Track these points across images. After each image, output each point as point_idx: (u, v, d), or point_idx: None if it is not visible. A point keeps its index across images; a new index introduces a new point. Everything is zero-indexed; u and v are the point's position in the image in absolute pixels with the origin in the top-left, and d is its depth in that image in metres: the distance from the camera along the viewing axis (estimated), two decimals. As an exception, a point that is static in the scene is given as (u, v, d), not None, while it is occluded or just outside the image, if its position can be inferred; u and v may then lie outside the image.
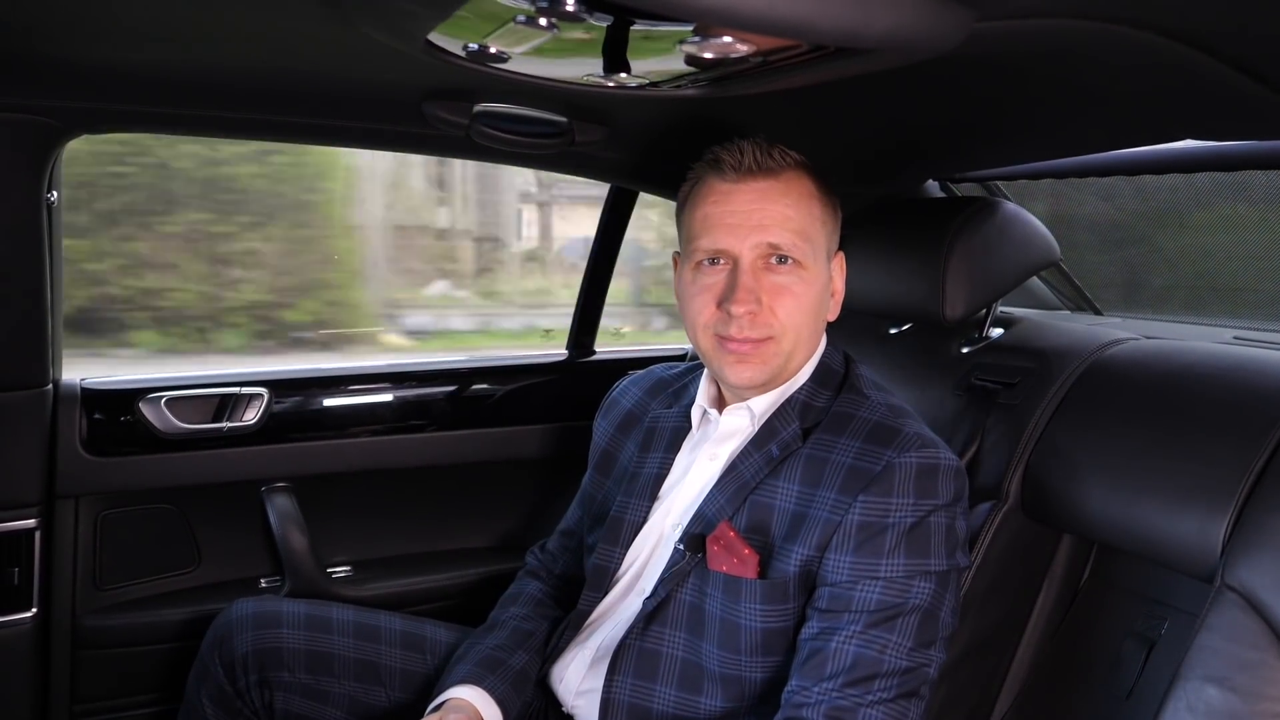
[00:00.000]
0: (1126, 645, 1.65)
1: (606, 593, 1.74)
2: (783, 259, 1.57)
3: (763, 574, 1.53)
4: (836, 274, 1.69)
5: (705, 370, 1.77)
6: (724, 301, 1.57)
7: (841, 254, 1.72)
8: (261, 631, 1.83)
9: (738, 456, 1.64)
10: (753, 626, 1.52)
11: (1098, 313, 2.51)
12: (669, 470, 1.75)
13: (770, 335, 1.58)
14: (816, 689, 1.42)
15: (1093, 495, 1.65)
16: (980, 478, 1.84)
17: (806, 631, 1.49)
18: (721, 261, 1.60)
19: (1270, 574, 1.31)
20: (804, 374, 1.67)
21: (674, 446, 1.77)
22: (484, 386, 2.65)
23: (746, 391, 1.66)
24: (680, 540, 1.63)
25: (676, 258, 1.73)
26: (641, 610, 1.64)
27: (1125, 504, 1.59)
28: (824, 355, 1.70)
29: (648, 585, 1.68)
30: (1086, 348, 1.85)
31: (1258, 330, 1.99)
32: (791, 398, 1.65)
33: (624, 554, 1.73)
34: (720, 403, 1.73)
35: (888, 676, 1.42)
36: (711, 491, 1.64)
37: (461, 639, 1.90)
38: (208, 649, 1.85)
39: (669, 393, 1.88)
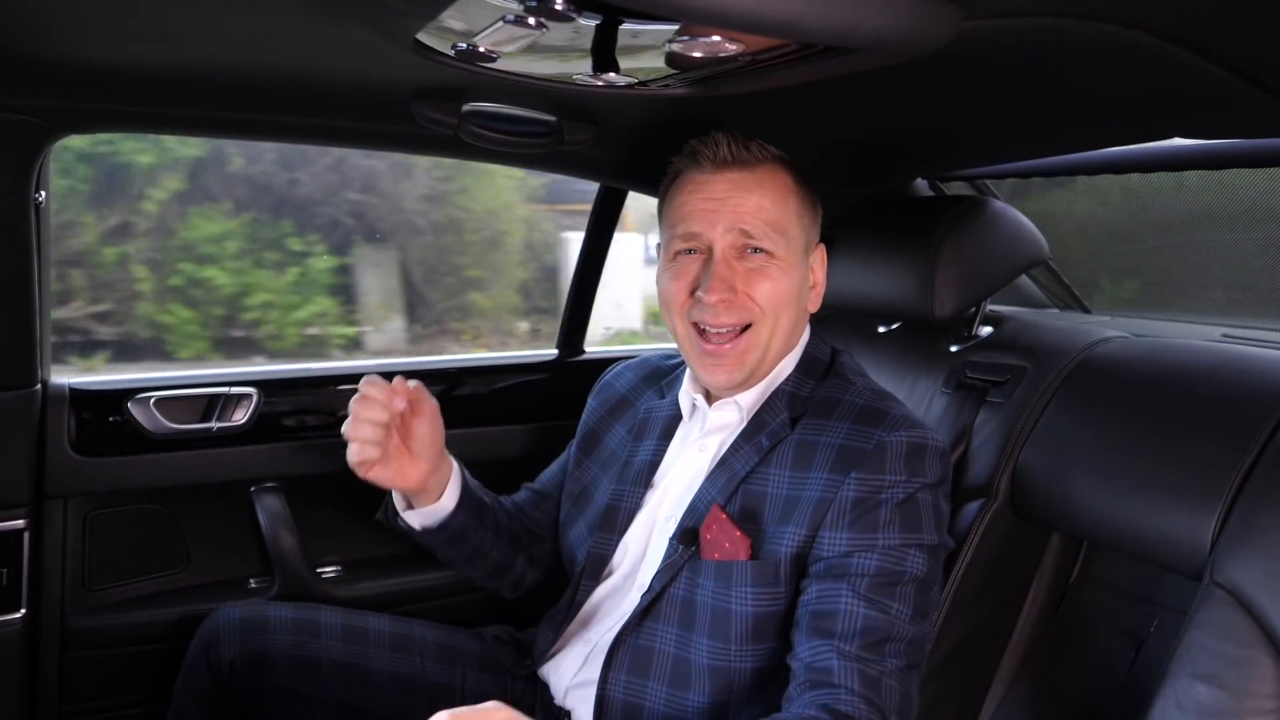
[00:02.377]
0: (1116, 643, 1.65)
1: (602, 582, 1.75)
2: (756, 249, 1.60)
3: (754, 556, 1.55)
4: (817, 266, 1.72)
5: None
6: (697, 289, 1.60)
7: (822, 246, 1.74)
8: (248, 637, 1.82)
9: (728, 450, 1.66)
10: (743, 611, 1.53)
11: (1086, 310, 2.51)
12: (662, 457, 1.77)
13: (749, 321, 1.61)
14: (835, 647, 1.41)
15: (1082, 493, 1.65)
16: (969, 476, 1.85)
17: (806, 598, 1.49)
18: (696, 251, 1.63)
19: (1259, 571, 1.31)
20: (788, 365, 1.70)
21: (667, 434, 1.79)
22: (474, 386, 2.65)
23: (727, 391, 1.68)
24: (674, 534, 1.64)
25: (659, 249, 1.75)
26: (638, 605, 1.64)
27: (1114, 502, 1.59)
28: (809, 346, 1.73)
29: (645, 578, 1.68)
30: (1075, 346, 1.86)
31: (1246, 328, 2.00)
32: (778, 389, 1.68)
33: (619, 541, 1.74)
34: (708, 392, 1.74)
35: (896, 641, 1.43)
36: (703, 485, 1.65)
37: (450, 639, 1.90)
38: (194, 654, 1.85)
39: (663, 383, 1.91)
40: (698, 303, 1.60)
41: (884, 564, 1.46)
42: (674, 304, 1.65)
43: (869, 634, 1.42)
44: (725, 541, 1.55)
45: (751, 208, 1.59)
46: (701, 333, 1.62)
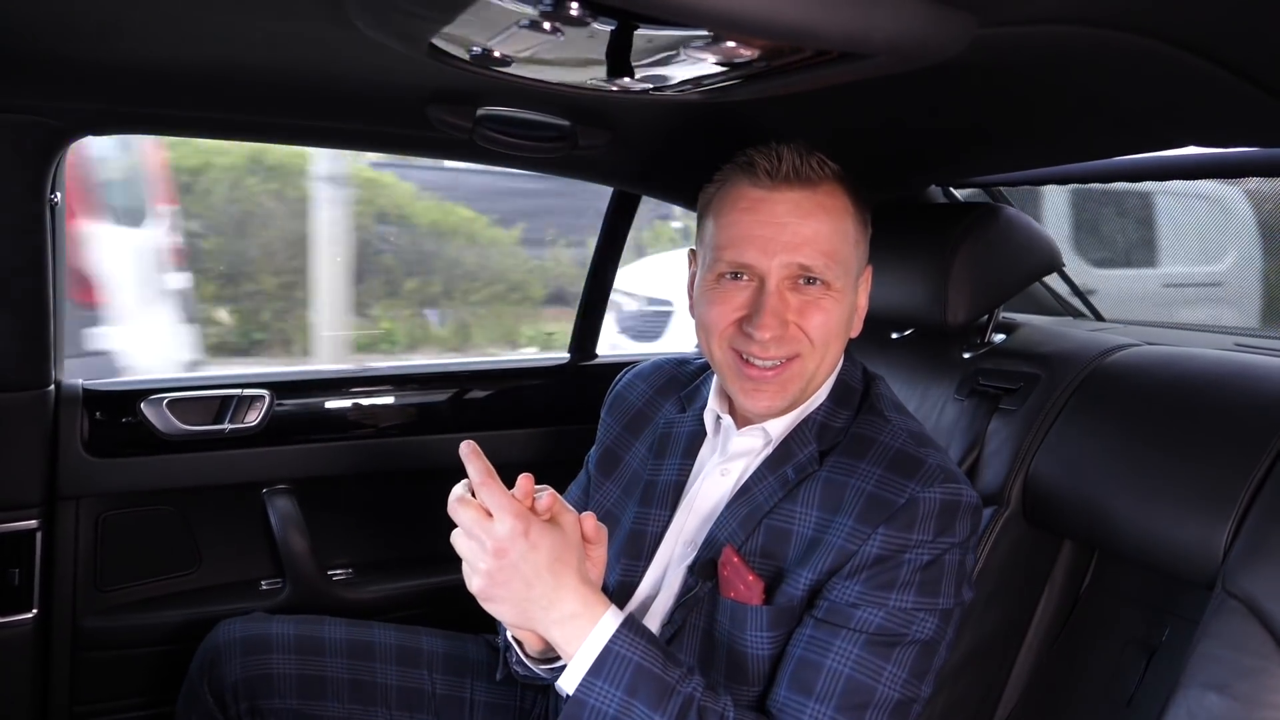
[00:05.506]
0: (1127, 652, 1.65)
1: (625, 608, 1.66)
2: (811, 280, 1.50)
3: (769, 599, 1.48)
4: (862, 290, 1.62)
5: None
6: (746, 323, 1.50)
7: (870, 269, 1.65)
8: (250, 657, 1.80)
9: (750, 478, 1.58)
10: (759, 654, 1.48)
11: (1100, 319, 2.51)
12: (687, 476, 1.69)
13: (797, 353, 1.51)
14: (809, 709, 1.38)
15: (1094, 501, 1.65)
16: (981, 483, 1.84)
17: (799, 636, 1.44)
18: (745, 277, 1.52)
19: (1272, 581, 1.31)
20: (822, 393, 1.61)
21: (691, 452, 1.70)
22: (486, 390, 2.65)
23: (763, 416, 1.59)
24: (692, 565, 1.58)
25: (693, 255, 1.65)
26: (660, 637, 1.57)
27: (1126, 510, 1.59)
28: (842, 372, 1.63)
29: (661, 606, 1.62)
30: (1088, 354, 1.85)
31: (1259, 337, 1.99)
32: (809, 418, 1.59)
33: (646, 567, 1.66)
34: (733, 407, 1.65)
35: (879, 709, 1.38)
36: (723, 515, 1.57)
37: (458, 648, 1.88)
38: (196, 674, 1.83)
39: (681, 395, 1.80)
40: (745, 335, 1.51)
41: (888, 624, 1.40)
42: (715, 330, 1.54)
43: (849, 696, 1.38)
44: (739, 583, 1.50)
45: (809, 236, 1.48)
46: (744, 359, 1.53)
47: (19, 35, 1.50)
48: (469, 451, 1.33)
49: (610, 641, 1.33)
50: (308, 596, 2.36)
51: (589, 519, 1.43)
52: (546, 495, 1.38)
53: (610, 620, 1.34)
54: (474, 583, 1.34)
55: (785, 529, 1.52)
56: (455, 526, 1.35)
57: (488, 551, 1.31)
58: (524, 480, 1.37)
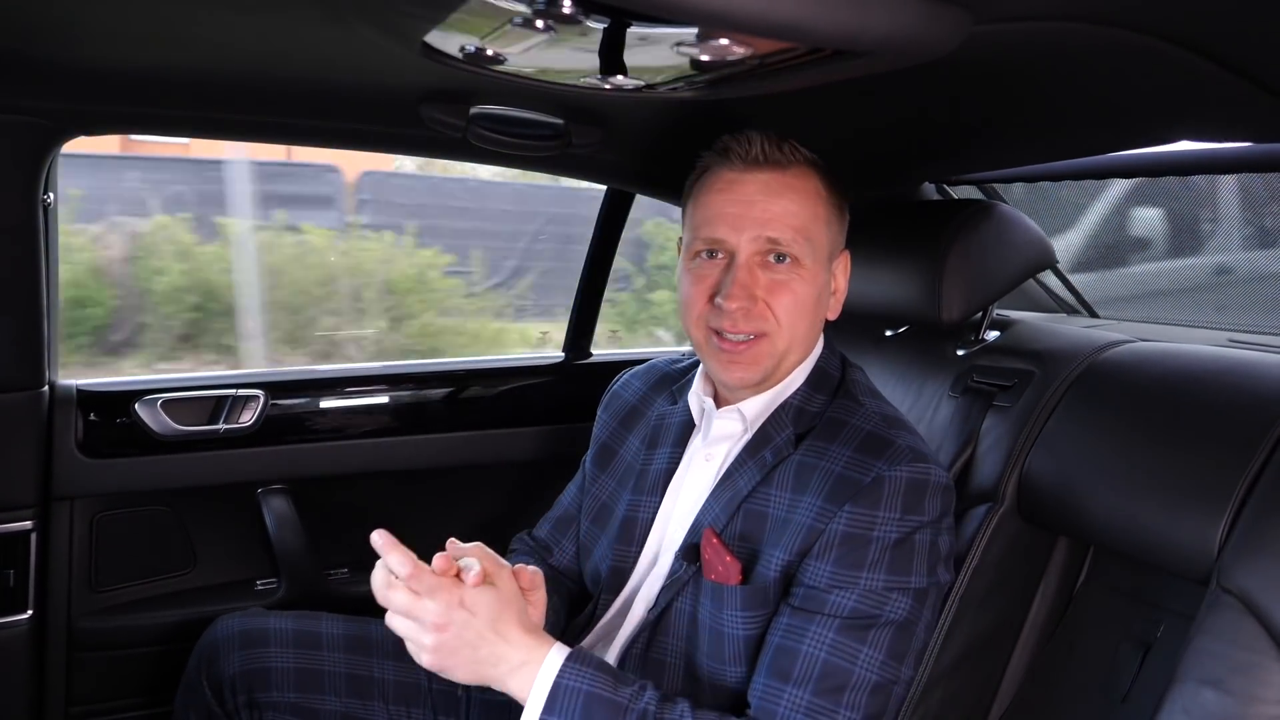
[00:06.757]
0: (1122, 648, 1.65)
1: (619, 594, 1.73)
2: (780, 257, 1.56)
3: (745, 580, 1.53)
4: (839, 273, 1.68)
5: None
6: (717, 295, 1.57)
7: (846, 253, 1.70)
8: (248, 651, 1.81)
9: (732, 464, 1.63)
10: (735, 634, 1.52)
11: (1094, 315, 2.51)
12: (677, 465, 1.74)
13: (764, 331, 1.57)
14: (786, 694, 1.42)
15: (1089, 498, 1.65)
16: (976, 480, 1.84)
17: (776, 625, 1.48)
18: (719, 255, 1.59)
19: (1267, 576, 1.31)
20: (799, 377, 1.66)
21: (681, 441, 1.76)
22: (480, 389, 2.65)
23: (740, 390, 1.65)
24: (678, 550, 1.63)
25: (680, 245, 1.71)
26: (645, 620, 1.63)
27: (1121, 506, 1.59)
28: (820, 359, 1.69)
29: (651, 590, 1.67)
30: (1083, 350, 1.85)
31: (1253, 333, 1.99)
32: (785, 403, 1.64)
33: (639, 553, 1.72)
34: (716, 391, 1.72)
35: (857, 690, 1.41)
36: (707, 501, 1.63)
37: None
38: (194, 669, 1.84)
39: (673, 388, 1.86)
40: (716, 309, 1.57)
41: (861, 606, 1.44)
42: (693, 310, 1.61)
43: (825, 679, 1.41)
44: (719, 565, 1.54)
45: (778, 212, 1.55)
46: (718, 334, 1.59)
47: (9, 35, 1.50)
48: (384, 543, 1.37)
49: (558, 677, 1.38)
50: (303, 596, 2.35)
51: (522, 572, 1.49)
52: (475, 573, 1.40)
53: (555, 657, 1.39)
54: (423, 659, 1.40)
55: (762, 511, 1.57)
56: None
57: (428, 628, 1.37)
58: (440, 559, 1.41)
